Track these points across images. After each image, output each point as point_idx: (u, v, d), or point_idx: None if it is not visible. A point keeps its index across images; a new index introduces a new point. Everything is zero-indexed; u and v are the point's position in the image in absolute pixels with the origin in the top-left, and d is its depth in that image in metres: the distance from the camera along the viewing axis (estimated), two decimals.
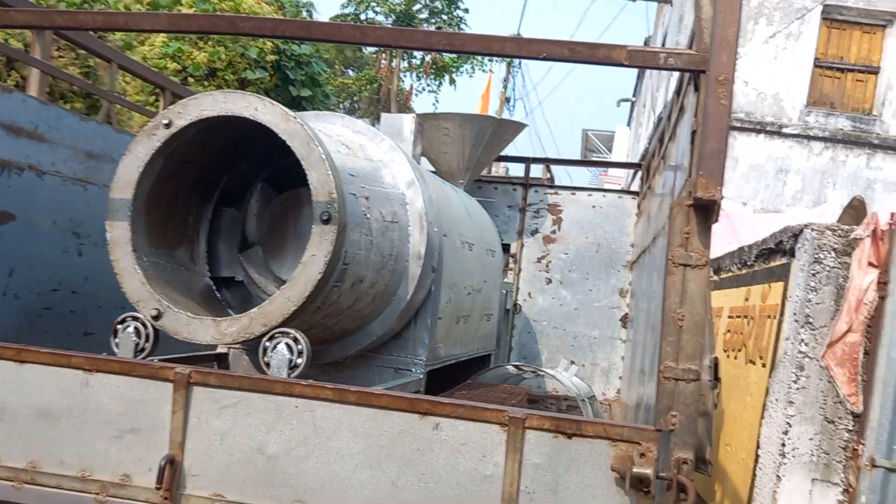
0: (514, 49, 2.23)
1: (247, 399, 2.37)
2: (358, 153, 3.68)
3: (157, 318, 3.08)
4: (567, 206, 6.57)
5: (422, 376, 4.00)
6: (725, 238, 10.82)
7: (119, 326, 3.14)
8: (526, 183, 6.64)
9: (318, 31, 2.36)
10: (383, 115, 4.96)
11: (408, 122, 4.86)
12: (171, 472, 2.36)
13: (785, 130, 14.38)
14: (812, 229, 5.80)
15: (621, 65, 2.15)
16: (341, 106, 30.78)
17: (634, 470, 2.09)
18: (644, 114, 24.41)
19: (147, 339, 3.13)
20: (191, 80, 9.85)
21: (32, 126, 3.70)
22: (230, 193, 3.91)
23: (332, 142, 3.50)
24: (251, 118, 3.07)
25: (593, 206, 6.58)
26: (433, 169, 6.25)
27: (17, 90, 3.87)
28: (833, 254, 5.66)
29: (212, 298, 3.80)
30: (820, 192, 14.48)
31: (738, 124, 14.44)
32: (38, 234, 3.82)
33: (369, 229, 3.43)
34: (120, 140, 4.36)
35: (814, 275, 5.64)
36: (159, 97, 4.82)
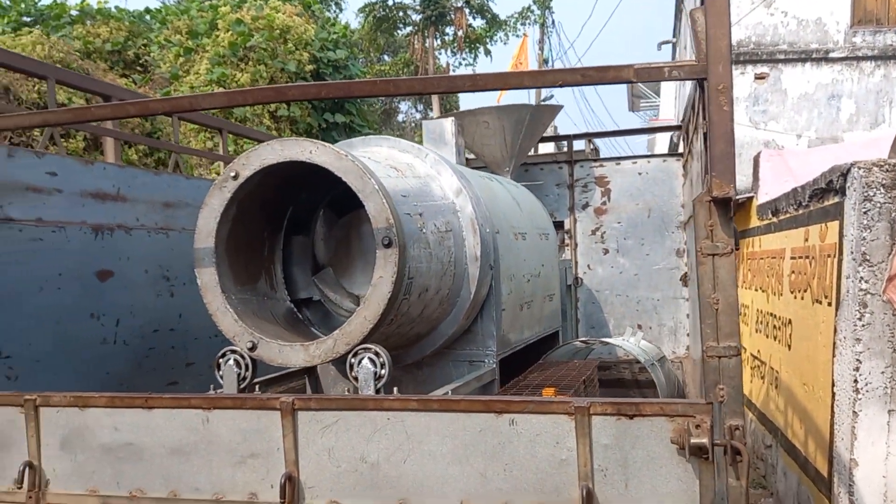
0: (531, 81, 2.48)
1: (344, 417, 2.71)
2: (406, 173, 3.98)
3: (252, 349, 3.46)
4: (614, 177, 6.75)
5: (494, 366, 4.31)
6: (781, 177, 10.76)
7: (221, 360, 3.53)
8: (570, 160, 6.84)
9: (356, 89, 2.66)
10: (424, 123, 5.25)
11: (448, 126, 5.14)
12: (291, 487, 2.73)
13: (832, 55, 14.05)
14: (859, 167, 5.85)
15: (630, 81, 2.39)
16: None
17: (692, 440, 2.35)
18: (686, 55, 23.99)
19: (247, 369, 3.52)
20: None
21: (115, 189, 4.12)
22: (297, 221, 4.26)
23: (381, 167, 3.81)
24: (308, 161, 3.40)
25: (639, 173, 6.74)
26: (479, 162, 6.52)
27: (98, 161, 4.30)
28: (882, 190, 5.71)
29: (295, 319, 4.18)
30: (877, 113, 14.14)
31: (783, 56, 14.19)
32: (134, 284, 4.25)
33: (427, 242, 3.74)
34: (190, 186, 4.77)
35: (865, 212, 5.71)
36: (217, 136, 5.20)
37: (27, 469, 2.98)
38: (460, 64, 29.44)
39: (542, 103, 6.10)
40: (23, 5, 12.61)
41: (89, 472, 2.96)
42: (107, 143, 4.35)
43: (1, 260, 3.45)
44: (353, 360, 3.35)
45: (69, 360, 3.82)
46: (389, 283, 3.33)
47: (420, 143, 5.01)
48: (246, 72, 10.15)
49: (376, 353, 3.33)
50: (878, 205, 5.70)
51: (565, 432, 2.51)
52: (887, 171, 5.74)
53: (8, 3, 13.06)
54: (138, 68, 11.96)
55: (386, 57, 31.73)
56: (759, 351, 10.03)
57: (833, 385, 6.28)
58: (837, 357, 6.24)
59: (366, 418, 2.70)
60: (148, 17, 12.75)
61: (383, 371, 3.30)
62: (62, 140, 6.37)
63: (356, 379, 3.32)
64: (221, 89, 10.72)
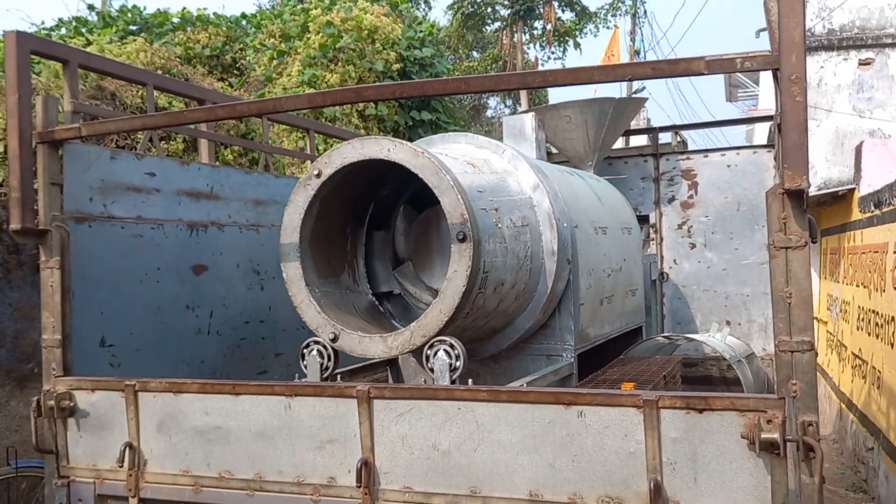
0: (601, 75, 2.49)
1: (417, 406, 2.81)
2: (483, 168, 4.04)
3: (334, 340, 3.59)
4: (701, 170, 6.61)
5: (572, 360, 4.32)
6: (885, 167, 10.26)
7: (305, 351, 3.69)
8: (656, 153, 6.73)
9: (429, 88, 2.74)
10: (504, 119, 5.28)
11: (528, 122, 5.16)
12: (367, 472, 2.85)
13: None
14: None
15: (701, 74, 2.37)
16: None
17: (763, 436, 2.33)
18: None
19: (329, 359, 3.66)
20: None
21: (209, 188, 4.35)
22: (379, 217, 4.39)
23: (458, 163, 3.88)
24: (386, 159, 3.51)
25: (728, 166, 6.58)
26: (562, 157, 6.50)
27: (194, 161, 4.56)
28: None
29: (377, 312, 4.31)
30: None
31: (890, 40, 13.45)
32: (226, 278, 4.49)
33: (503, 237, 3.79)
34: (279, 184, 4.98)
35: None
36: (306, 136, 5.41)
37: (128, 449, 3.22)
38: (549, 58, 29.23)
39: (632, 96, 6.02)
40: (129, 15, 13.33)
41: (182, 454, 3.17)
42: (201, 145, 4.60)
43: (104, 255, 3.71)
44: (428, 351, 3.44)
45: (167, 349, 4.07)
46: (464, 277, 3.40)
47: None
48: (335, 72, 10.42)
49: (451, 346, 3.40)
50: None
51: (634, 425, 2.53)
52: None
53: (116, 13, 13.84)
54: (235, 72, 12.45)
55: (475, 53, 31.83)
56: (860, 349, 9.60)
57: None
58: None
59: (438, 407, 2.79)
60: (244, 21, 13.26)
61: (458, 363, 3.37)
62: (162, 143, 6.74)
63: (432, 370, 3.41)
64: (312, 90, 11.04)
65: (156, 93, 4.29)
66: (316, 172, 3.65)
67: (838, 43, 13.47)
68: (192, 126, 4.36)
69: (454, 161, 3.89)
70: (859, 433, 9.26)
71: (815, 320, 9.97)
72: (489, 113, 33.46)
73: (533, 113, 5.24)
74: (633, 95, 26.23)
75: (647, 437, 2.50)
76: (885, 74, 13.58)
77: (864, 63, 13.60)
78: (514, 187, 4.13)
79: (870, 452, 8.59)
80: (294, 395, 2.99)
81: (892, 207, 8.15)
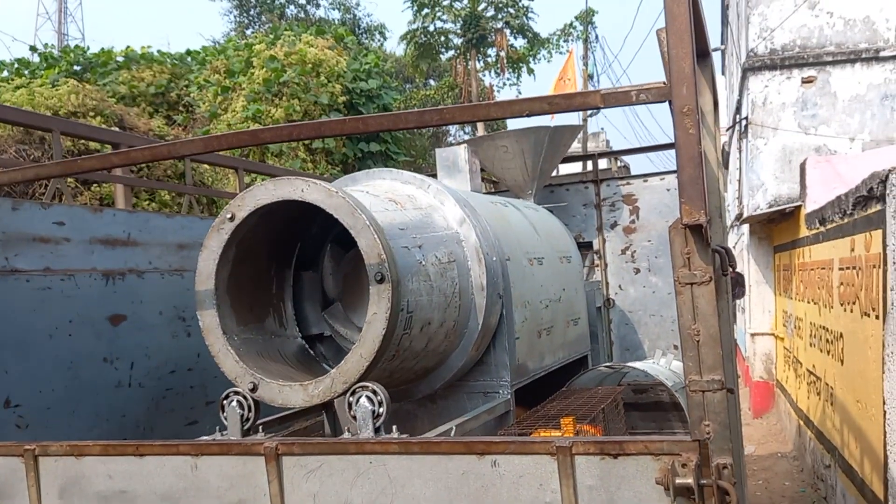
0: (499, 111, 2.41)
1: (328, 462, 2.66)
2: (406, 205, 3.94)
3: (253, 390, 3.44)
4: (641, 194, 6.59)
5: (509, 397, 4.20)
6: (830, 184, 10.40)
7: (224, 402, 3.53)
8: (597, 179, 6.71)
9: (327, 129, 2.64)
10: (437, 151, 5.22)
11: (461, 153, 5.10)
12: None
13: (882, 54, 13.54)
14: None
15: (597, 107, 2.30)
16: None
17: (677, 481, 2.22)
18: (734, 62, 23.47)
19: (249, 409, 3.51)
20: None
21: (126, 235, 4.19)
22: (307, 257, 4.26)
23: (379, 201, 3.78)
24: (300, 199, 3.39)
25: (668, 189, 6.57)
26: (503, 187, 6.44)
27: (108, 208, 4.39)
28: None
29: (307, 356, 4.16)
30: None
31: (830, 58, 13.75)
32: (148, 326, 4.31)
33: (427, 274, 3.68)
34: (205, 226, 4.80)
35: None
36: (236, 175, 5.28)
37: None
38: (504, 84, 29.51)
39: (572, 125, 6.04)
40: (72, 55, 13.13)
41: None
42: (117, 190, 4.45)
43: (8, 310, 3.52)
44: (350, 398, 3.30)
45: (83, 406, 3.88)
46: (384, 319, 3.28)
47: None
48: (280, 107, 10.33)
49: (374, 391, 3.27)
50: None
51: (549, 473, 2.41)
52: None
53: (59, 54, 13.63)
54: (181, 109, 12.30)
55: (431, 81, 32.01)
56: (814, 366, 9.64)
57: (884, 403, 5.96)
58: (887, 374, 5.93)
59: (348, 462, 2.64)
60: (189, 58, 13.13)
61: (381, 409, 3.24)
62: (94, 187, 6.57)
63: (354, 418, 3.27)
64: (257, 125, 10.92)
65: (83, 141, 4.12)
66: (229, 216, 3.52)
67: (780, 62, 13.72)
68: (106, 172, 4.20)
69: (374, 199, 3.79)
70: (817, 450, 9.26)
71: (773, 336, 10.02)
72: (451, 139, 33.60)
73: (465, 144, 5.18)
74: (574, 124, 26.51)
75: (563, 486, 2.38)
76: (827, 91, 13.86)
77: (807, 81, 13.87)
78: (439, 223, 4.04)
79: (827, 470, 8.58)
80: (200, 454, 2.82)
81: (835, 224, 8.22)
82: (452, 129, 32.97)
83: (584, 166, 8.54)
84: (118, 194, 4.43)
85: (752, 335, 14.21)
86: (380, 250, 3.28)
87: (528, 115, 2.34)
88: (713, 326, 2.23)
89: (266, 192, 3.44)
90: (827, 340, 8.67)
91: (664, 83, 2.22)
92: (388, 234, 3.44)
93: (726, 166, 21.87)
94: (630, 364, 5.47)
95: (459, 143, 5.34)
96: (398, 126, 2.50)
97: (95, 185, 6.57)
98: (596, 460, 2.36)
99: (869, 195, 6.31)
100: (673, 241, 2.25)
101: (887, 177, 5.73)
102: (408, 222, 3.78)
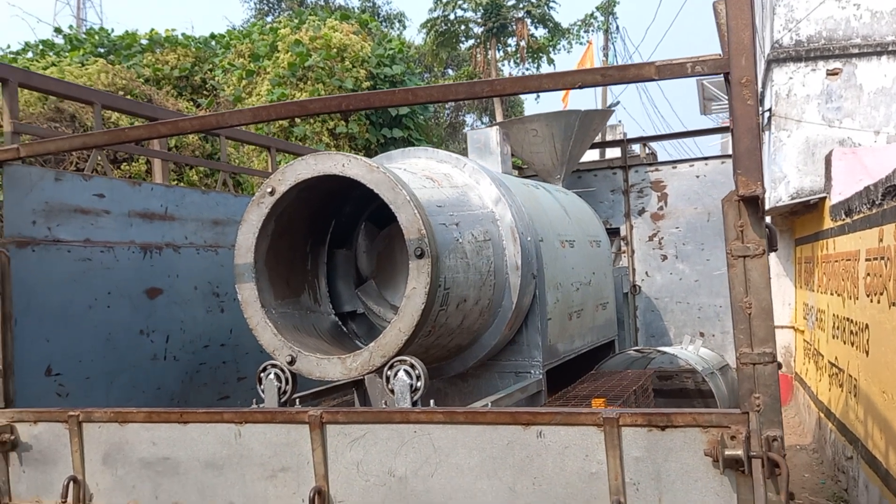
0: (551, 83, 2.40)
1: (372, 430, 2.69)
2: (443, 183, 3.95)
3: (291, 363, 3.47)
4: (670, 181, 6.56)
5: (541, 376, 4.21)
6: (855, 176, 10.30)
7: (262, 375, 3.56)
8: (625, 165, 6.69)
9: (376, 99, 2.65)
10: (469, 133, 5.21)
11: (493, 135, 5.10)
12: (321, 501, 2.72)
13: None
14: None
15: (651, 80, 2.30)
16: (446, 106, 31.25)
17: (727, 452, 2.23)
18: (758, 54, 23.19)
19: (287, 382, 3.54)
20: (298, 120, 10.50)
21: (163, 209, 4.22)
22: (341, 235, 4.28)
23: (416, 178, 3.79)
24: (340, 174, 3.40)
25: (697, 176, 6.54)
26: (531, 171, 6.44)
27: (146, 181, 4.43)
28: None
29: (340, 333, 4.18)
30: None
31: (857, 50, 13.60)
32: (183, 301, 4.35)
33: (464, 252, 3.69)
34: (239, 203, 4.85)
35: None
36: (268, 153, 5.30)
37: (72, 483, 3.07)
38: (523, 74, 29.36)
39: (607, 108, 6.02)
40: (97, 38, 13.19)
41: (129, 487, 3.03)
42: (155, 165, 4.48)
43: (50, 280, 3.57)
44: (389, 372, 3.32)
45: (120, 377, 3.92)
46: (423, 293, 3.29)
47: None
48: (304, 91, 10.34)
49: (412, 366, 3.29)
50: None
51: (595, 444, 2.42)
52: None
53: (84, 36, 13.70)
54: (205, 92, 12.33)
55: (450, 71, 31.93)
56: (836, 358, 9.58)
57: None
58: None
59: (393, 431, 2.67)
60: (213, 42, 13.16)
61: (419, 383, 3.26)
62: (124, 165, 6.61)
63: (392, 391, 3.29)
64: None
65: (119, 115, 4.15)
66: (269, 190, 3.54)
67: (806, 54, 13.58)
68: (144, 146, 4.23)
69: (412, 176, 3.80)
70: (838, 442, 9.21)
71: (792, 329, 9.94)
72: (467, 129, 33.51)
73: (497, 127, 5.17)
74: (609, 107, 26.41)
75: (609, 457, 2.40)
76: (852, 84, 13.71)
77: (832, 73, 13.73)
78: (475, 201, 4.04)
79: (849, 461, 8.53)
80: (244, 422, 2.86)
81: (862, 215, 8.15)
82: (469, 119, 32.92)
83: (602, 154, 8.51)
84: (156, 169, 4.46)
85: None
86: (420, 226, 3.29)
87: (581, 87, 2.34)
88: (766, 299, 2.23)
89: (307, 166, 3.46)
90: (851, 332, 8.61)
91: (720, 55, 2.22)
92: (427, 212, 3.45)
93: None
94: (659, 349, 5.46)
95: (490, 126, 5.34)
96: (448, 97, 2.51)
97: (125, 163, 6.62)
98: (643, 432, 2.37)
99: None
100: (726, 214, 2.25)
101: None
102: (444, 200, 3.79)
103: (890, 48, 13.66)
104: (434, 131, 22.76)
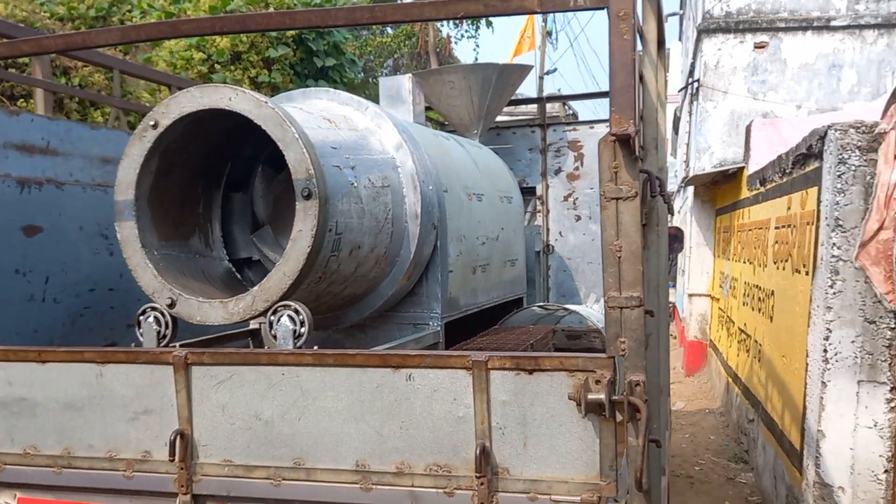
0: (433, 12, 2.30)
1: (238, 372, 2.58)
2: (341, 125, 3.81)
3: (171, 306, 3.31)
4: (587, 141, 6.55)
5: (438, 328, 4.16)
6: (774, 147, 10.53)
7: (141, 318, 3.40)
8: (543, 123, 6.63)
9: (251, 22, 2.49)
10: (381, 80, 5.07)
11: (405, 84, 4.96)
12: (183, 445, 2.61)
13: (833, 23, 13.69)
14: (836, 129, 5.65)
15: (534, 12, 2.21)
16: (384, 66, 30.78)
17: (589, 396, 2.20)
18: (690, 27, 23.50)
19: (167, 327, 3.38)
20: (217, 66, 10.14)
21: (44, 142, 3.97)
22: (239, 179, 4.10)
23: (312, 118, 3.64)
24: (226, 108, 3.23)
25: None
26: (450, 127, 6.33)
27: (25, 111, 4.15)
28: (858, 152, 5.51)
29: (234, 281, 4.03)
30: (878, 84, 13.80)
31: (783, 24, 13.86)
32: (67, 241, 4.12)
33: (359, 197, 3.58)
34: None
35: (839, 175, 5.51)
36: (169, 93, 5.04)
37: None
38: (462, 36, 29.09)
39: (522, 64, 5.91)
40: None
41: None
42: (37, 94, 4.20)
43: None
44: (272, 317, 3.21)
45: None
46: (309, 236, 3.17)
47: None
48: (226, 36, 9.97)
49: (296, 311, 3.18)
50: (853, 168, 5.50)
51: (463, 388, 2.37)
52: (864, 132, 5.53)
53: None
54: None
55: (389, 30, 31.37)
56: (745, 324, 9.87)
57: (807, 356, 6.12)
58: (811, 327, 6.07)
59: (260, 373, 2.56)
60: None
61: (303, 329, 3.16)
62: (21, 101, 6.24)
63: (275, 337, 3.18)
64: (202, 55, 10.57)
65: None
66: (152, 123, 3.34)
67: (735, 26, 13.77)
68: (27, 74, 3.95)
69: (308, 115, 3.65)
70: (742, 405, 9.53)
71: (709, 297, 10.20)
72: (402, 71, 33.11)
73: (410, 75, 5.04)
74: (546, 74, 26.40)
75: (476, 401, 2.35)
76: (778, 58, 13.99)
77: (759, 46, 13.97)
78: (375, 146, 3.92)
79: (751, 424, 8.84)
80: (106, 362, 2.71)
81: (774, 184, 8.34)
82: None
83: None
84: (38, 99, 4.18)
85: (690, 296, 14.49)
86: (308, 165, 3.16)
87: (462, 17, 2.24)
88: (635, 243, 2.19)
89: (191, 98, 3.27)
90: (759, 299, 8.86)
91: None
92: (319, 152, 3.31)
93: (677, 131, 22.05)
94: (565, 307, 5.48)
95: (403, 74, 5.20)
96: (327, 23, 2.37)
97: (22, 100, 6.24)
98: (511, 376, 2.33)
99: (808, 153, 6.38)
100: (601, 155, 2.19)
101: (826, 133, 5.80)
102: (341, 142, 3.66)
103: (815, 24, 13.96)
104: (368, 90, 22.36)
